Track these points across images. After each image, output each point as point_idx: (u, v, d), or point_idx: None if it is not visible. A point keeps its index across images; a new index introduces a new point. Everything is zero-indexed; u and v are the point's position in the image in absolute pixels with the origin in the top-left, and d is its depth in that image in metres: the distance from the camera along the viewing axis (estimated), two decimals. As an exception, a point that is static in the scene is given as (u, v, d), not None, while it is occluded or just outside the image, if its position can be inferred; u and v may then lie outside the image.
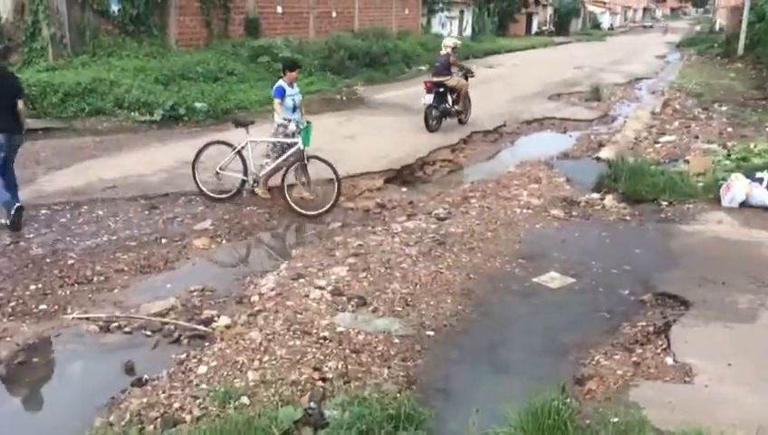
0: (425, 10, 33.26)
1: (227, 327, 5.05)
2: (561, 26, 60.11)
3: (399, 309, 5.41)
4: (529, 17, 54.53)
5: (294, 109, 8.28)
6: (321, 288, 5.69)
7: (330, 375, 4.34)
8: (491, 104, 16.61)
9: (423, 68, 25.38)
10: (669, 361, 4.49)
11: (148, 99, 13.57)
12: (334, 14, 24.49)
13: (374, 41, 22.73)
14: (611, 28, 76.54)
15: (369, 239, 7.02)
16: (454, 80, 13.20)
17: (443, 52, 13.38)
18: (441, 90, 13.04)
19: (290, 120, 7.99)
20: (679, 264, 6.39)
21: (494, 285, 6.00)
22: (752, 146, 10.49)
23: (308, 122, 8.12)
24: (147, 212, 7.89)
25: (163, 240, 7.05)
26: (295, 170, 8.18)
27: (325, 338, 4.83)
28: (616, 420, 3.66)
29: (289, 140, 8.05)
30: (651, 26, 76.45)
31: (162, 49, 17.07)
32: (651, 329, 5.07)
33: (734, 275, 5.93)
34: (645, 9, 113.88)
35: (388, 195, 8.93)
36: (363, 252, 6.60)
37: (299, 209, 7.91)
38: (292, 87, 8.29)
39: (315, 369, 4.40)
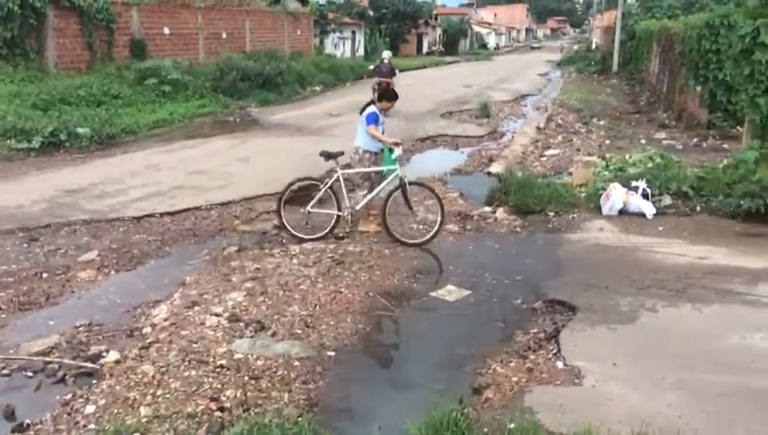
0: (317, 31, 33.47)
1: (117, 362, 4.80)
2: (450, 46, 62.23)
3: (299, 331, 5.35)
4: (419, 38, 56.10)
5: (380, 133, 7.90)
6: (217, 315, 5.54)
7: (228, 404, 4.22)
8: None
9: (317, 88, 25.53)
10: (560, 365, 4.69)
11: (24, 125, 12.81)
12: (224, 36, 24.17)
13: (267, 62, 22.58)
14: (497, 48, 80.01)
15: (267, 262, 6.92)
16: (393, 75, 18.71)
17: (386, 61, 18.97)
18: (382, 88, 16.96)
19: (397, 145, 7.58)
20: (566, 271, 6.70)
21: (392, 302, 6.04)
22: (627, 157, 11.18)
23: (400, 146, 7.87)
24: (26, 245, 7.41)
25: (44, 274, 6.63)
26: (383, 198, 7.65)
27: (222, 366, 4.70)
28: (512, 426, 3.77)
29: (387, 168, 7.75)
30: (540, 47, 79.60)
31: (40, 73, 16.26)
32: (543, 335, 5.28)
33: (615, 279, 6.28)
34: (527, 30, 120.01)
35: (285, 216, 8.81)
36: (261, 275, 6.49)
37: (401, 238, 7.57)
38: (382, 114, 7.95)
39: (212, 399, 4.26)
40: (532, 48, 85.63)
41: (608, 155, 12.08)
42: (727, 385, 4.32)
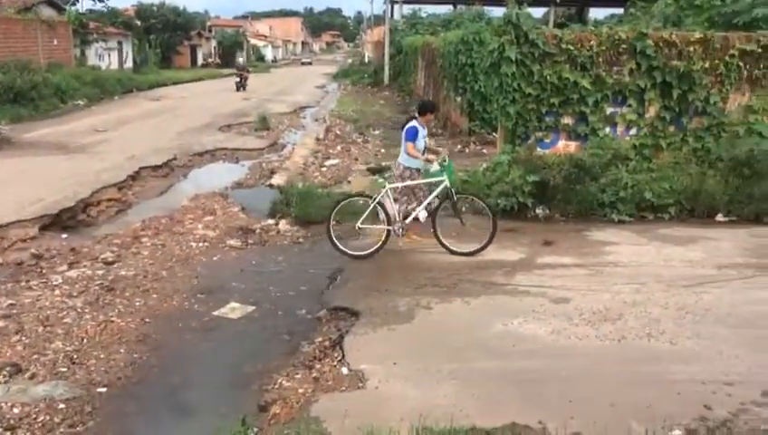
0: (77, 41, 30.84)
1: None
2: (226, 58, 61.11)
3: (64, 370, 4.84)
4: (193, 49, 54.46)
5: (424, 151, 7.56)
6: (-40, 363, 4.81)
7: (-24, 465, 3.67)
8: (160, 138, 16.10)
9: (81, 102, 23.62)
10: (345, 370, 4.76)
11: None
12: (-36, 44, 21.32)
13: (18, 74, 20.30)
14: (275, 61, 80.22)
15: (23, 296, 6.19)
16: (247, 73, 32.60)
17: (241, 61, 34.55)
18: (242, 76, 31.97)
19: (433, 160, 7.35)
20: (349, 278, 6.85)
21: (172, 326, 5.73)
22: (400, 164, 11.81)
23: (448, 156, 7.60)
24: None
25: None
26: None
27: (-31, 421, 4.09)
28: (299, 439, 3.74)
29: (434, 179, 7.51)
30: (310, 62, 79.69)
31: None
32: (328, 343, 5.33)
33: (394, 281, 6.56)
34: (303, 43, 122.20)
35: (45, 243, 7.97)
36: (15, 312, 5.79)
37: (453, 248, 7.39)
38: (424, 128, 7.61)
39: (-45, 462, 3.69)
40: (303, 63, 77.75)
41: (384, 163, 12.66)
42: (494, 370, 4.71)
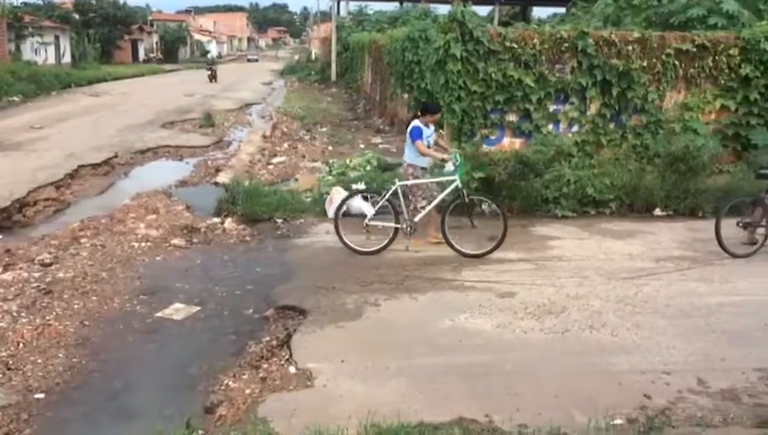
0: (11, 35, 29.70)
1: None
2: (169, 54, 60.03)
3: (-1, 376, 4.66)
4: (134, 44, 53.22)
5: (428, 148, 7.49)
6: None
7: None
8: (100, 135, 15.69)
9: (16, 99, 22.81)
10: (292, 369, 4.71)
11: None
12: None
13: (-53, 68, 19.49)
14: (220, 56, 78.85)
15: (-46, 301, 5.92)
16: (216, 66, 37.37)
17: (210, 58, 43.83)
18: (212, 69, 36.11)
19: (448, 160, 7.32)
20: (296, 276, 6.79)
21: (113, 329, 5.57)
22: (348, 161, 11.79)
23: (461, 155, 7.50)
24: None
25: None
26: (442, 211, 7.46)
27: None
28: (245, 440, 3.68)
29: (446, 178, 7.45)
30: (257, 59, 78.47)
31: None
32: (275, 342, 5.27)
33: (342, 279, 6.54)
34: (249, 39, 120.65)
35: (-23, 245, 7.66)
36: (-55, 317, 5.52)
37: (462, 250, 7.28)
38: (428, 127, 7.53)
39: None
40: (249, 60, 76.53)
41: (331, 160, 12.62)
42: (441, 365, 4.74)
